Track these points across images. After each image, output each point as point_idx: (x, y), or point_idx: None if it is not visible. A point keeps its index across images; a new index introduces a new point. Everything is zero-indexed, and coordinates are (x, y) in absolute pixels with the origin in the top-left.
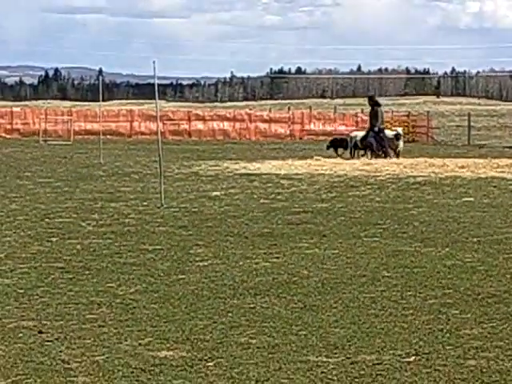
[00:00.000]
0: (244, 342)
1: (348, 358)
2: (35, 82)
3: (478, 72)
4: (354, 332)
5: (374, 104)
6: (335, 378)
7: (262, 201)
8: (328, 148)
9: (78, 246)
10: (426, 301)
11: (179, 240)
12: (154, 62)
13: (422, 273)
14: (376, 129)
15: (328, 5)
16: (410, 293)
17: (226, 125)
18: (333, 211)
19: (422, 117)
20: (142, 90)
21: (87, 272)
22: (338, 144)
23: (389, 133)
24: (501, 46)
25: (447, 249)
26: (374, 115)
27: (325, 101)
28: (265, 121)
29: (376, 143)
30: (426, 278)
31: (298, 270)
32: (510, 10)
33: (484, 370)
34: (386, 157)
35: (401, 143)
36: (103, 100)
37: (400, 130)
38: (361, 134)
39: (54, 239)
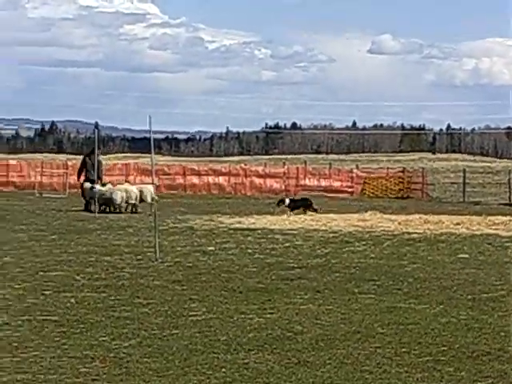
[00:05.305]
0: None
1: None
2: (31, 134)
3: (474, 129)
4: None
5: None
6: None
7: (256, 256)
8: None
9: (72, 300)
10: (421, 358)
11: (173, 294)
12: (149, 117)
13: (416, 330)
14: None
15: (323, 61)
16: (404, 350)
17: (222, 179)
18: (327, 267)
19: (418, 173)
20: (138, 143)
21: (81, 325)
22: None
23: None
24: (496, 104)
25: (442, 306)
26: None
27: (320, 156)
28: (260, 176)
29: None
30: (420, 335)
31: (292, 325)
32: (505, 67)
33: None
34: (87, 208)
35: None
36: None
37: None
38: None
39: (48, 292)
